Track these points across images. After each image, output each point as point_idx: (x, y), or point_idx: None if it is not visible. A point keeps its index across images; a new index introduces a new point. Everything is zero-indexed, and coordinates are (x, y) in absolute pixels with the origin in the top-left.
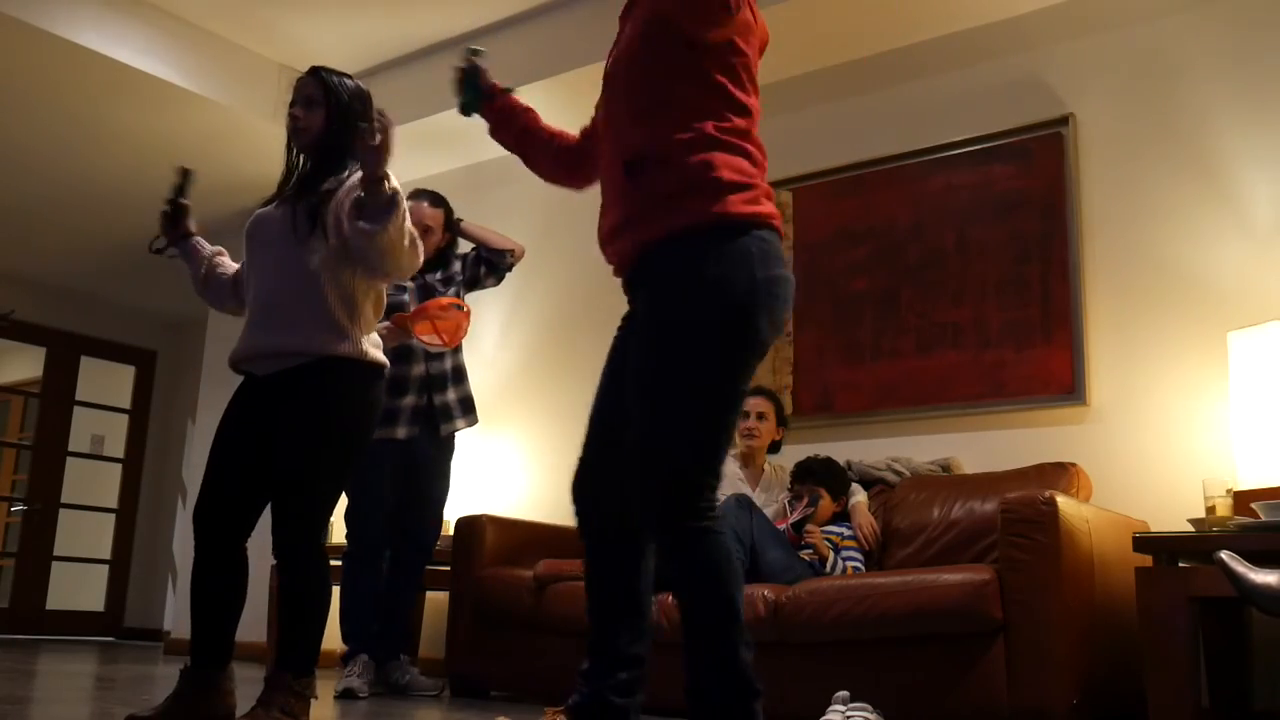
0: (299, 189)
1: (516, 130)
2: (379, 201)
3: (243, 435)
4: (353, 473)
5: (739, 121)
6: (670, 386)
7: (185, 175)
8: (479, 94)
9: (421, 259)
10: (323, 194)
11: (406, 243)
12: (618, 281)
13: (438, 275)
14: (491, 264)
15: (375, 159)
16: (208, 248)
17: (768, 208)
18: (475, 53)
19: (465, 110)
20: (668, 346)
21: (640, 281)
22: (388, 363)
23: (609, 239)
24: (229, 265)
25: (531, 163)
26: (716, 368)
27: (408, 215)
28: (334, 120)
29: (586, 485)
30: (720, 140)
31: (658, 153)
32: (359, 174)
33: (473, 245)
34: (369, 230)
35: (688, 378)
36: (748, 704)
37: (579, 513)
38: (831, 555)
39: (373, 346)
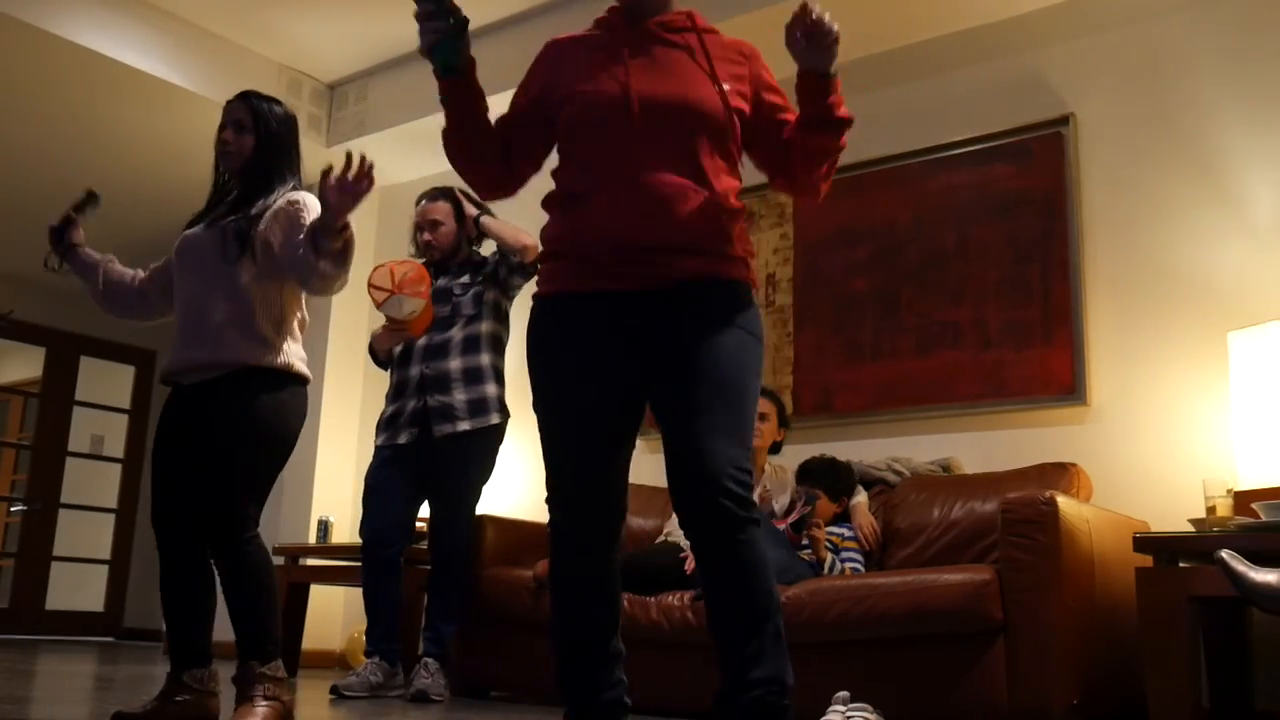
0: (228, 211)
1: (474, 111)
2: (333, 251)
3: (176, 445)
4: (276, 471)
5: None
6: (746, 403)
7: (90, 198)
8: (457, 51)
9: (344, 280)
10: (251, 217)
11: (346, 276)
12: None
13: (462, 279)
14: (511, 264)
15: (341, 207)
16: (96, 255)
17: None
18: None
19: (441, 60)
20: (745, 375)
21: (688, 303)
22: (310, 375)
23: (658, 250)
24: (124, 271)
25: (469, 148)
26: (759, 386)
27: (350, 258)
28: (262, 145)
29: (575, 525)
30: None
31: (733, 208)
32: (286, 197)
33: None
34: (334, 268)
35: (752, 399)
36: (782, 703)
37: (563, 548)
38: (830, 557)
39: (297, 359)
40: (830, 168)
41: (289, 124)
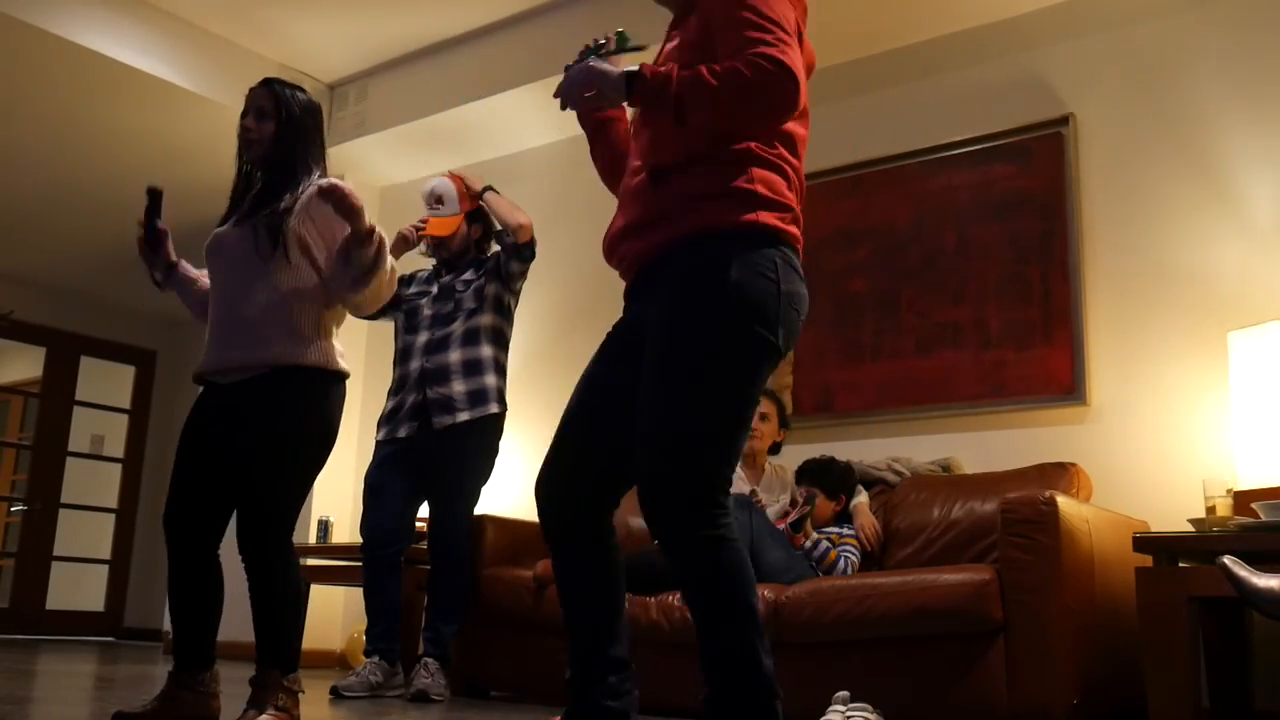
0: (256, 205)
1: (595, 121)
2: (365, 260)
3: (207, 444)
4: (318, 472)
5: (782, 148)
6: (687, 391)
7: (155, 196)
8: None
9: (394, 288)
10: (282, 211)
11: (386, 281)
12: (618, 282)
13: (465, 275)
14: (506, 244)
15: (353, 218)
16: (193, 271)
17: (795, 230)
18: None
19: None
20: (687, 348)
21: (654, 282)
22: (349, 370)
23: (620, 239)
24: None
25: (594, 157)
26: (735, 374)
27: (390, 259)
28: (285, 132)
29: (551, 487)
30: (761, 157)
31: (694, 159)
32: (317, 184)
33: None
34: (355, 285)
35: (705, 383)
36: (771, 706)
37: (543, 514)
38: (816, 537)
39: (336, 354)
40: (721, 115)
41: (312, 111)
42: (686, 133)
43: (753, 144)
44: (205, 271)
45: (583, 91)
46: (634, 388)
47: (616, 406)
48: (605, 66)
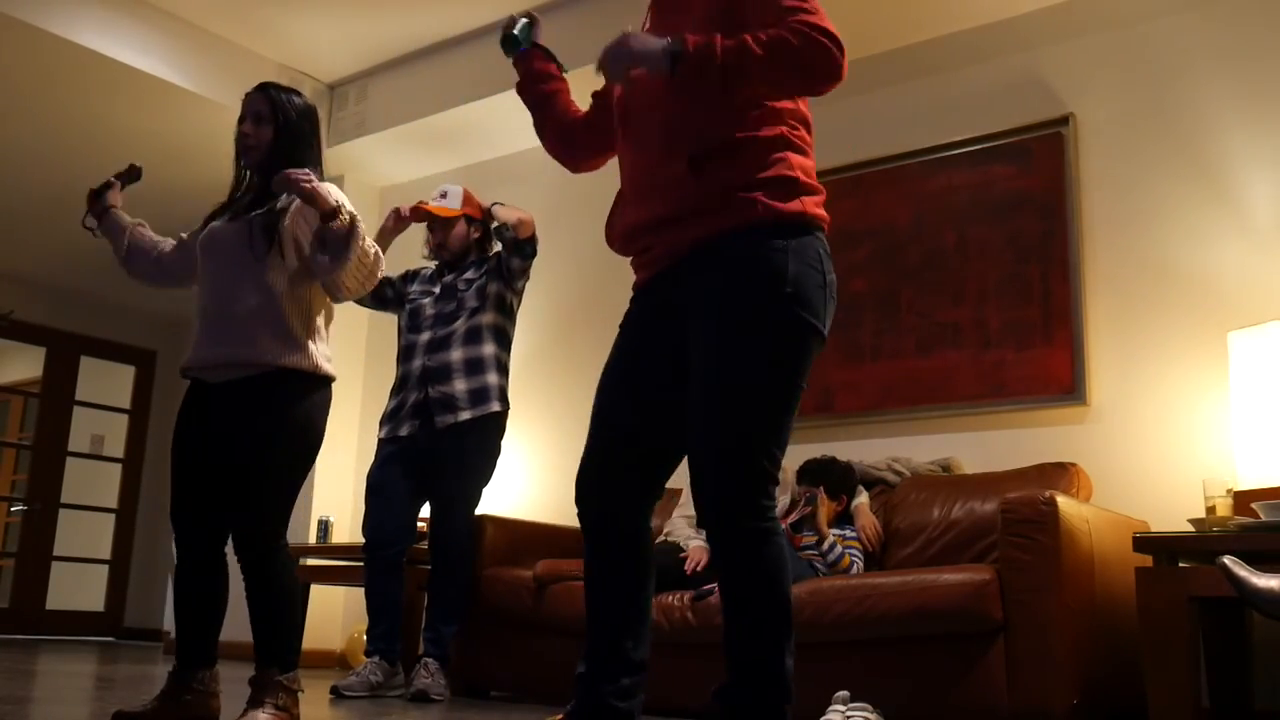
0: (252, 205)
1: (540, 92)
2: (338, 236)
3: (199, 442)
4: (305, 475)
5: (804, 131)
6: (745, 382)
7: (135, 173)
8: (524, 41)
9: (380, 272)
10: (278, 211)
11: (369, 264)
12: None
13: (466, 274)
14: (506, 239)
15: (312, 201)
16: (126, 219)
17: (825, 213)
18: (533, 18)
19: (505, 45)
20: (744, 341)
21: (691, 275)
22: (335, 374)
23: (650, 230)
24: (150, 235)
25: (540, 128)
26: (790, 364)
27: (365, 238)
28: (282, 136)
29: (592, 486)
30: (793, 142)
31: (731, 147)
32: None
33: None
34: (332, 263)
35: (763, 373)
36: (782, 708)
37: (583, 514)
38: (831, 537)
39: (324, 359)
40: (775, 83)
41: (309, 115)
42: (715, 116)
43: (783, 129)
44: (139, 221)
45: (627, 64)
46: (666, 382)
47: (649, 402)
48: (647, 38)
